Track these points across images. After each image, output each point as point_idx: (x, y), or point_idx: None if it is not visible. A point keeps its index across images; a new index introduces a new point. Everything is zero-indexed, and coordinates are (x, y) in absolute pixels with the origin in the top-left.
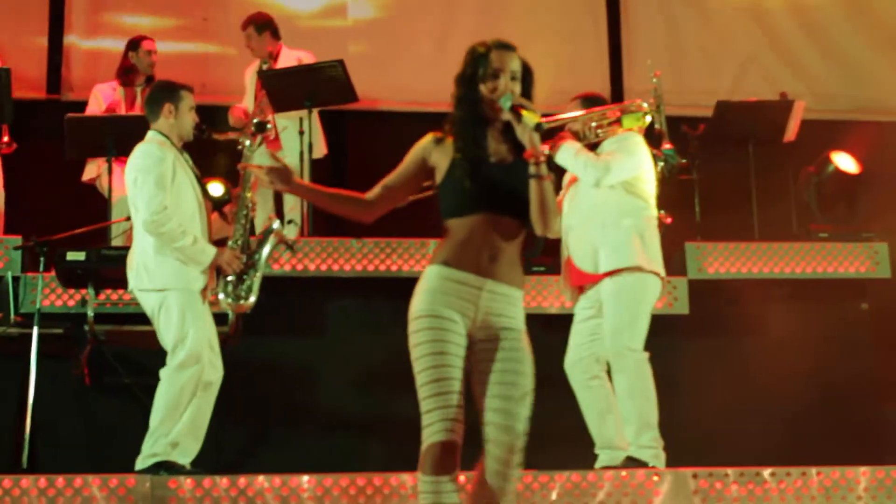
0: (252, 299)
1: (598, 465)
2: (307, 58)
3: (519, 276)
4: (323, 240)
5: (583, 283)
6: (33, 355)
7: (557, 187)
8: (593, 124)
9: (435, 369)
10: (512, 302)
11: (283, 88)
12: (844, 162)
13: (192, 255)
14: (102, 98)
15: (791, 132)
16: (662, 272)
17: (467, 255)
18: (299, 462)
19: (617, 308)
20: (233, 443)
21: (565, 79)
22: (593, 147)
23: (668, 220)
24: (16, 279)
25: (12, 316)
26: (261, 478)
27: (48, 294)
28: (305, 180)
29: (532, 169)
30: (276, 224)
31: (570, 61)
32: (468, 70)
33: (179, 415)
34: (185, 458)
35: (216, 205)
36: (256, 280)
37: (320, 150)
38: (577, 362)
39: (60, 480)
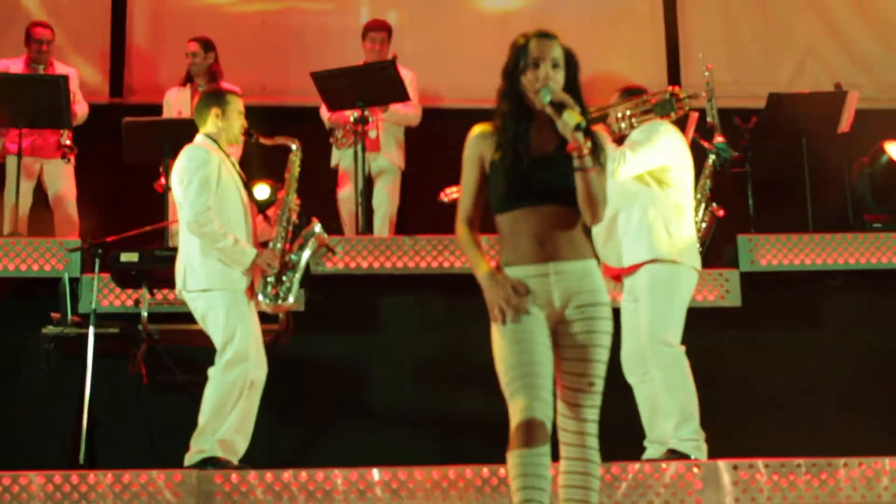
0: (291, 300)
1: (644, 457)
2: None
3: (582, 248)
4: (375, 237)
5: (615, 274)
6: (90, 354)
7: None
8: (629, 114)
9: (518, 356)
10: (585, 274)
11: (336, 88)
12: None
13: (233, 256)
14: (172, 102)
15: (845, 123)
16: (696, 263)
17: (521, 248)
18: (352, 458)
19: (651, 302)
20: (286, 440)
21: (622, 71)
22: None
23: (721, 213)
24: (73, 280)
25: (69, 316)
26: (304, 473)
27: (105, 295)
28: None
29: (576, 162)
30: (317, 227)
31: (628, 53)
32: (510, 63)
33: (227, 413)
34: (233, 456)
35: (261, 207)
36: (296, 281)
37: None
38: (631, 356)
39: (109, 476)
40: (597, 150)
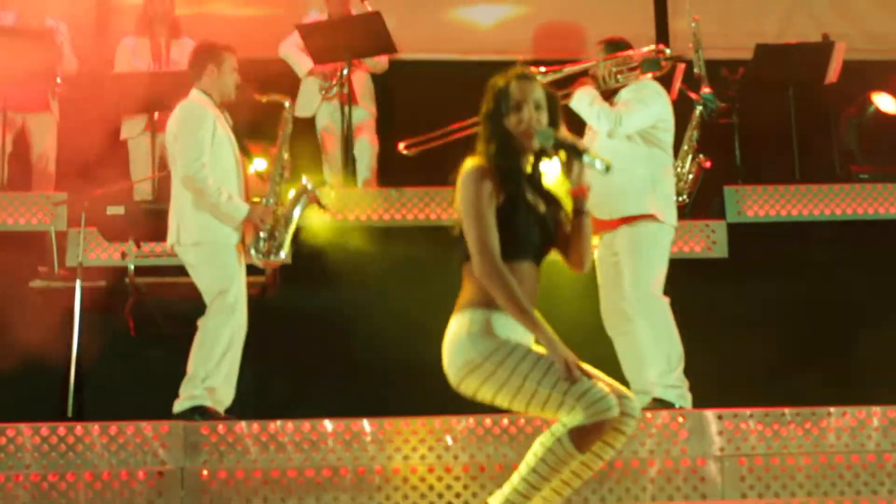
0: (282, 255)
1: None
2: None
3: None
4: (362, 190)
5: (598, 230)
6: (77, 307)
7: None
8: (614, 69)
9: (544, 371)
10: None
11: (322, 41)
12: (885, 102)
13: (227, 212)
14: (129, 51)
15: (832, 74)
16: (674, 221)
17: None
18: (340, 409)
19: (633, 258)
20: (274, 392)
21: (609, 20)
22: (613, 93)
23: (708, 164)
24: (60, 234)
25: (57, 269)
26: (290, 423)
27: (92, 248)
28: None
29: (577, 204)
30: (309, 185)
31: (615, 3)
32: (491, 107)
33: (216, 362)
34: (220, 406)
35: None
36: (287, 237)
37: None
38: (611, 310)
39: (96, 428)
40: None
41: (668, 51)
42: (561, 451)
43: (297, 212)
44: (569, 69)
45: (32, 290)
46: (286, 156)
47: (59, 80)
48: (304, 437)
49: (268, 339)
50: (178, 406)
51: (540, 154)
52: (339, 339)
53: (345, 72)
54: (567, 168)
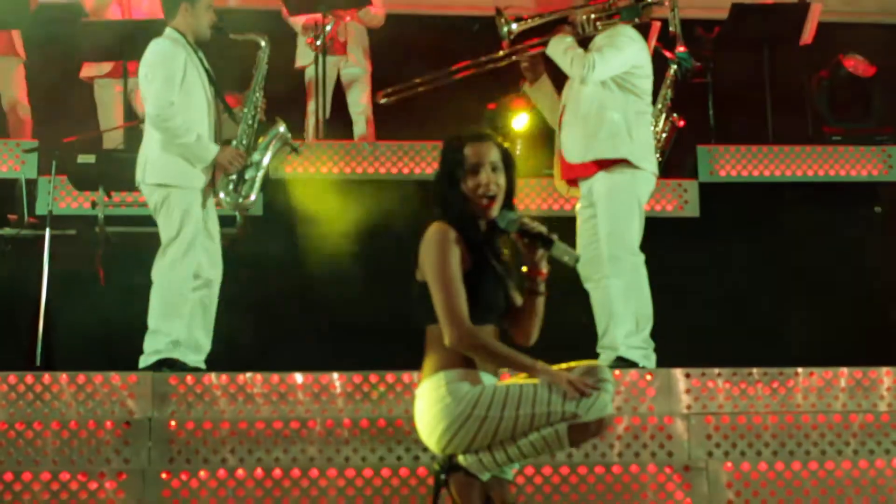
0: (252, 198)
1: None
2: None
3: None
4: (335, 142)
5: (573, 176)
6: (46, 256)
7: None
8: (593, 16)
9: (534, 391)
10: None
11: None
12: (856, 64)
13: (196, 152)
14: None
15: (808, 35)
16: (653, 168)
17: (484, 366)
18: (311, 362)
19: (609, 210)
20: (242, 343)
21: None
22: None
23: (681, 123)
24: (30, 182)
25: (26, 218)
26: (259, 375)
27: (62, 196)
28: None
29: (540, 287)
30: (281, 128)
31: None
32: (446, 170)
33: (178, 311)
34: (196, 354)
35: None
36: (258, 180)
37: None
38: (587, 263)
39: (64, 377)
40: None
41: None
42: (554, 440)
43: (268, 155)
44: (547, 16)
45: (2, 238)
46: (259, 96)
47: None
48: (272, 389)
49: (237, 291)
50: (143, 362)
51: (537, 238)
52: (310, 291)
53: (328, 28)
54: (528, 252)
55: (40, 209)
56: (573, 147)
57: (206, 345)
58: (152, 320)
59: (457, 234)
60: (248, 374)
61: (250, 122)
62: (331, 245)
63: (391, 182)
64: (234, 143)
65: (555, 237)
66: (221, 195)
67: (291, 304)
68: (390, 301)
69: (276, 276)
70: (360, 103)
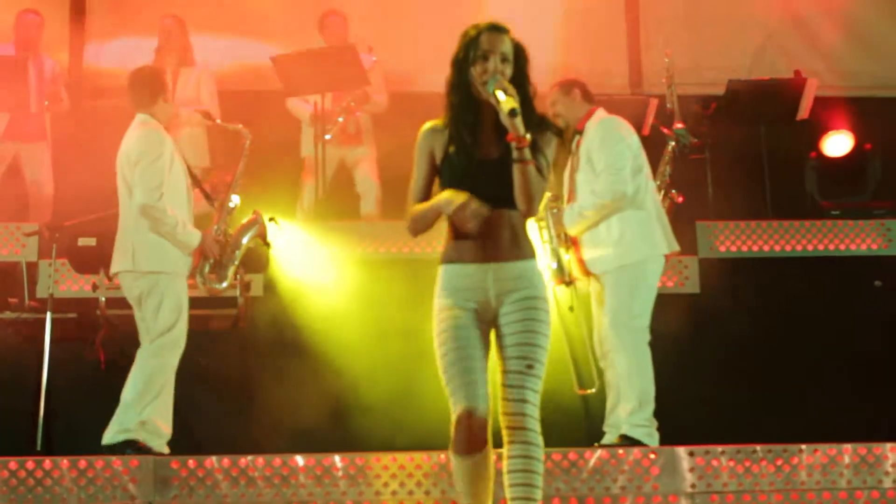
0: (224, 285)
1: (602, 441)
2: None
3: (524, 248)
4: (334, 223)
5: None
6: (47, 339)
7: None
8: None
9: (455, 352)
10: (523, 274)
11: (295, 72)
12: (834, 145)
13: (181, 239)
14: None
15: (804, 110)
16: (661, 248)
17: (466, 248)
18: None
19: (616, 288)
20: (243, 426)
21: (582, 56)
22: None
23: (680, 199)
24: (31, 265)
25: (27, 301)
26: (261, 458)
27: (63, 279)
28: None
29: (515, 154)
30: (260, 218)
31: (589, 39)
32: (459, 54)
33: (153, 396)
34: (158, 439)
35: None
36: (233, 266)
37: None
38: (599, 340)
39: (65, 462)
40: (544, 140)
41: None
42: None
43: (244, 241)
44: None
45: (3, 322)
46: (239, 186)
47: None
48: (274, 472)
49: (238, 372)
50: (110, 438)
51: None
52: (311, 372)
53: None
54: (503, 117)
55: (41, 292)
56: (592, 264)
57: (168, 431)
58: (127, 396)
59: (437, 125)
60: (250, 457)
61: (230, 209)
62: (331, 324)
63: (395, 261)
64: (215, 229)
65: (508, 107)
66: (197, 278)
67: (293, 383)
68: (392, 381)
69: (275, 356)
70: (369, 181)
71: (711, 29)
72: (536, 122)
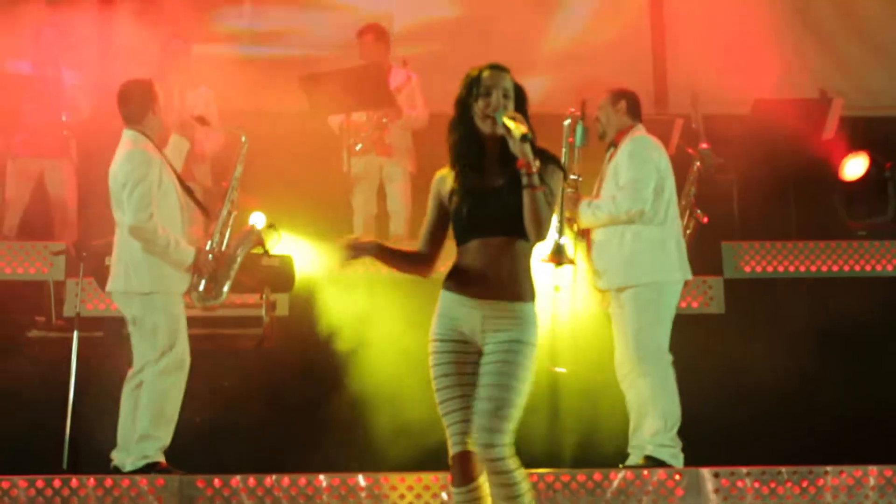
0: (220, 300)
1: (626, 463)
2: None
3: (523, 288)
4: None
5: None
6: (73, 358)
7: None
8: (604, 120)
9: (447, 389)
10: (515, 315)
11: (321, 92)
12: (852, 168)
13: (175, 258)
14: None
15: (830, 130)
16: (679, 275)
17: (466, 279)
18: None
19: (637, 313)
20: (269, 445)
21: (608, 76)
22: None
23: (705, 220)
24: (58, 284)
25: (54, 320)
26: (286, 478)
27: (89, 298)
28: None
29: (524, 180)
30: (256, 227)
31: (615, 60)
32: (463, 93)
33: (169, 419)
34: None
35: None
36: (229, 280)
37: None
38: (622, 362)
39: (91, 481)
40: (547, 172)
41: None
42: None
43: (239, 255)
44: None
45: (30, 340)
46: (236, 194)
47: (65, 129)
48: (300, 492)
49: (265, 391)
50: (132, 465)
51: (507, 130)
52: (337, 391)
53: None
54: (513, 144)
55: (68, 311)
56: (596, 275)
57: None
58: (143, 426)
59: (446, 172)
60: (275, 476)
61: (226, 219)
62: (356, 343)
63: (420, 281)
64: (210, 242)
65: (520, 133)
66: (193, 295)
67: (317, 403)
68: (416, 401)
69: (301, 375)
70: (399, 202)
71: (736, 48)
72: (539, 155)
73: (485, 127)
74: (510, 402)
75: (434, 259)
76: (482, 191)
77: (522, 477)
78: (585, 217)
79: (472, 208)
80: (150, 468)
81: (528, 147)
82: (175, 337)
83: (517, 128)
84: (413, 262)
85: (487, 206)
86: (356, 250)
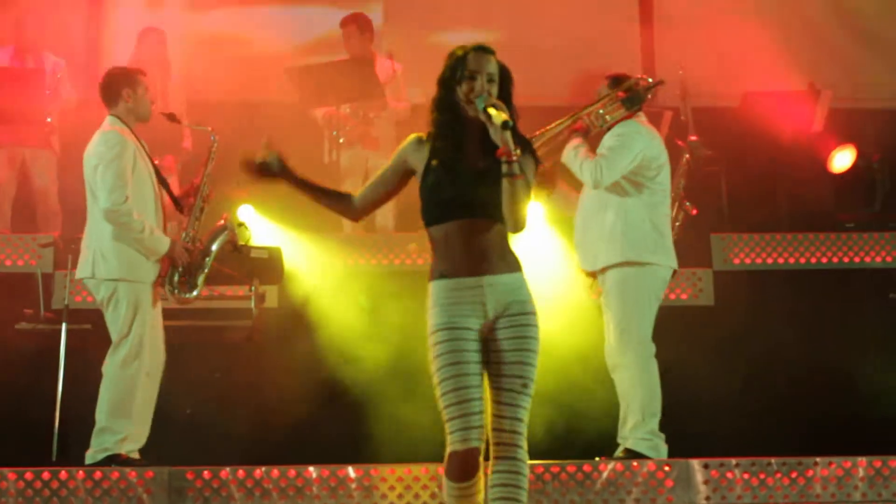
0: (195, 293)
1: (616, 454)
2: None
3: (512, 261)
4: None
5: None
6: (62, 350)
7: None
8: (601, 112)
9: (453, 379)
10: (515, 286)
11: (309, 84)
12: (839, 161)
13: (149, 246)
14: None
15: (818, 122)
16: (668, 261)
17: (457, 261)
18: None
19: (619, 302)
20: (258, 437)
21: (596, 68)
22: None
23: (694, 212)
24: (46, 276)
25: (42, 312)
26: (275, 470)
27: (78, 290)
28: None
29: (504, 168)
30: (229, 224)
31: (604, 52)
32: (446, 73)
33: (128, 410)
34: (135, 444)
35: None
36: (202, 276)
37: None
38: (610, 353)
39: (80, 473)
40: (526, 162)
41: (650, 79)
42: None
43: (213, 248)
44: (554, 128)
45: (19, 333)
46: (207, 189)
47: (49, 120)
48: (289, 483)
49: (253, 384)
50: (91, 458)
51: (488, 117)
52: (326, 383)
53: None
54: (493, 132)
55: (56, 303)
56: (581, 256)
57: (144, 436)
58: (101, 418)
59: (421, 137)
60: (265, 469)
61: (198, 214)
62: (346, 336)
63: (408, 272)
64: (184, 235)
65: (501, 120)
66: (166, 287)
67: (308, 396)
68: (407, 393)
69: (290, 367)
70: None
71: (726, 41)
72: (521, 144)
73: (469, 110)
74: (532, 379)
75: (364, 212)
76: (464, 172)
77: (527, 467)
78: (567, 153)
79: (455, 189)
80: (110, 461)
81: (508, 135)
82: (132, 326)
83: (498, 115)
84: (341, 202)
85: (469, 187)
86: (257, 171)
